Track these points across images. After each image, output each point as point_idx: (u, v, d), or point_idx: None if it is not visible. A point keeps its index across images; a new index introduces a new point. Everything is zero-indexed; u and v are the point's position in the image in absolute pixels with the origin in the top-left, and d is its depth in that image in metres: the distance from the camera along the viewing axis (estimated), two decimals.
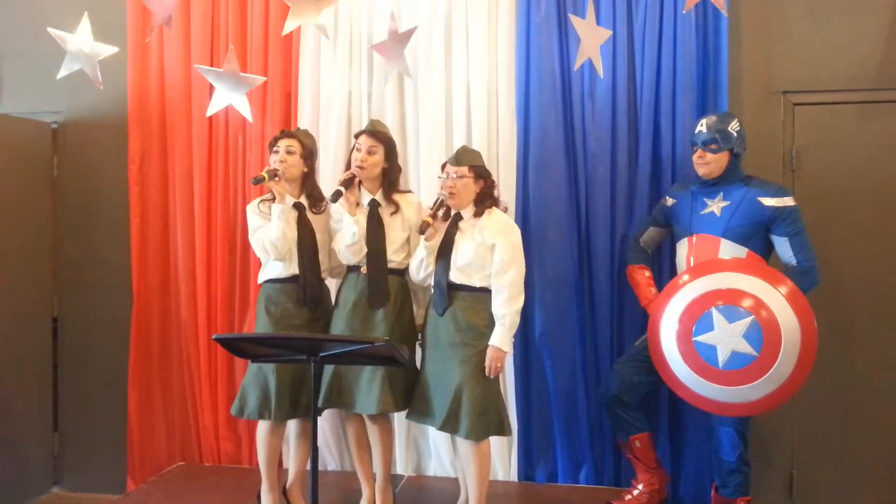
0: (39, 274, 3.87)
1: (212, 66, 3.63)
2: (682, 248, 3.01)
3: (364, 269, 2.94)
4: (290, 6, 3.10)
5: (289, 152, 2.97)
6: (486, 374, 2.77)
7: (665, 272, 3.30)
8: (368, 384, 2.88)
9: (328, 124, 3.58)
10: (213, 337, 2.32)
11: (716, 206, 2.94)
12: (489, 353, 2.77)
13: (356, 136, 3.01)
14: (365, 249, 2.93)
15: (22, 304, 3.75)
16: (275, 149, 2.99)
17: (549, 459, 3.47)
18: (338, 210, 2.96)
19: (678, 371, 2.78)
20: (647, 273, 3.14)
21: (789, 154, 3.39)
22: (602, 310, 3.38)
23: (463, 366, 2.77)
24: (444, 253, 2.86)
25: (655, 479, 3.10)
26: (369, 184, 2.99)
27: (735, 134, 2.93)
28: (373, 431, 2.99)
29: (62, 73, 3.22)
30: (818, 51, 3.35)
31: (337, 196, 2.88)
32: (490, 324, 2.82)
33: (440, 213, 2.85)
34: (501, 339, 2.77)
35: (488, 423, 2.79)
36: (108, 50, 3.25)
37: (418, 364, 3.01)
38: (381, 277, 2.93)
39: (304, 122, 3.56)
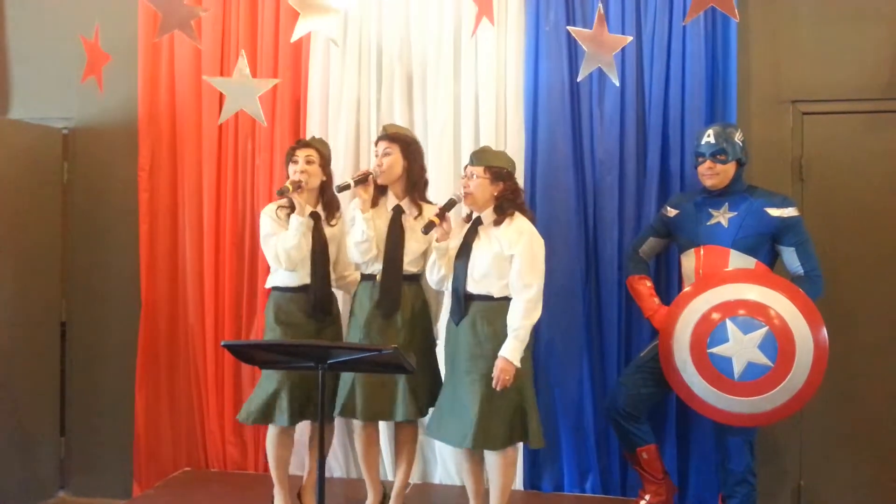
0: (48, 278, 3.89)
1: (221, 72, 3.66)
2: (689, 260, 3.00)
3: (379, 277, 2.94)
4: (300, 13, 3.11)
5: (308, 162, 2.96)
6: (494, 386, 2.68)
7: (672, 284, 3.29)
8: (395, 392, 2.88)
9: (337, 131, 3.59)
10: (222, 343, 2.33)
11: (722, 216, 2.94)
12: (498, 364, 2.68)
13: (375, 144, 3.02)
14: (374, 251, 2.92)
15: (30, 308, 3.77)
16: (293, 159, 2.97)
17: (556, 468, 3.46)
18: (353, 209, 2.96)
19: (692, 383, 2.77)
20: (649, 283, 3.13)
21: (798, 163, 3.38)
22: (609, 319, 3.37)
23: (484, 379, 2.71)
24: (461, 259, 2.80)
25: (662, 489, 3.08)
26: (394, 187, 2.98)
27: (741, 144, 2.92)
28: (404, 438, 3.01)
29: (84, 78, 3.23)
30: (827, 60, 3.34)
31: (343, 188, 2.89)
32: None
33: (447, 213, 2.81)
34: (512, 351, 2.68)
35: (511, 430, 2.75)
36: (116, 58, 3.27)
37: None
38: (394, 286, 2.91)
39: (313, 128, 3.57)
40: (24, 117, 3.95)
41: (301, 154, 2.97)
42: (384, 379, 2.88)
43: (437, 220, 2.77)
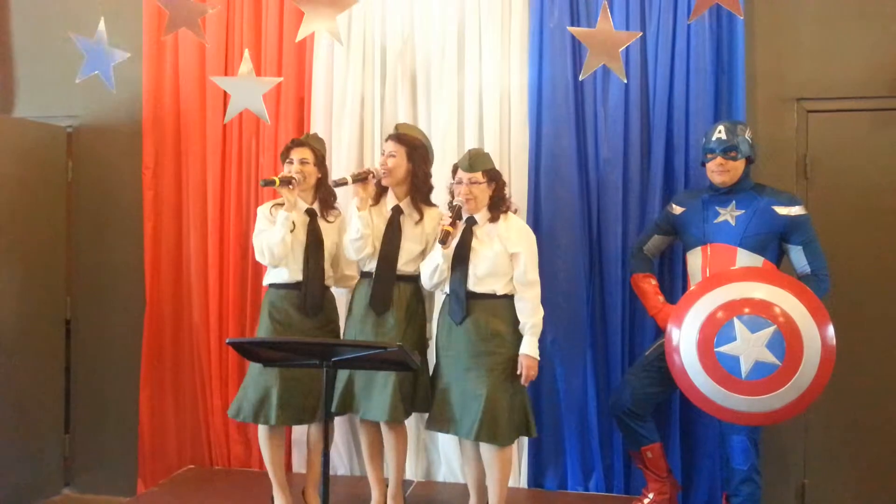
0: (53, 276, 3.90)
1: (226, 71, 3.67)
2: (696, 258, 2.99)
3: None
4: (305, 12, 3.11)
5: (303, 163, 2.97)
6: (523, 383, 2.79)
7: (678, 282, 3.28)
8: (381, 391, 2.87)
9: (341, 130, 3.59)
10: (227, 341, 2.33)
11: (729, 214, 2.93)
12: (523, 361, 2.78)
13: (385, 141, 3.03)
14: (369, 248, 2.93)
15: (35, 306, 3.78)
16: (288, 159, 2.98)
17: (559, 466, 3.46)
18: (352, 207, 2.96)
19: (698, 382, 2.76)
20: (654, 282, 3.12)
21: (803, 161, 3.38)
22: (613, 317, 3.37)
23: (491, 374, 2.76)
24: (460, 261, 2.82)
25: (666, 488, 3.08)
26: (397, 188, 2.98)
27: (750, 141, 2.92)
28: (388, 438, 2.98)
29: (81, 77, 3.24)
30: (832, 58, 3.33)
31: (339, 183, 2.89)
32: (513, 329, 2.81)
33: (458, 221, 2.82)
34: (532, 347, 2.79)
35: (516, 426, 2.80)
36: (123, 55, 3.27)
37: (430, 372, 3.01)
38: (386, 284, 2.92)
39: (317, 127, 3.58)
40: (29, 115, 3.96)
41: (296, 155, 2.97)
42: (375, 377, 2.88)
43: (451, 230, 2.77)
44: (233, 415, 2.97)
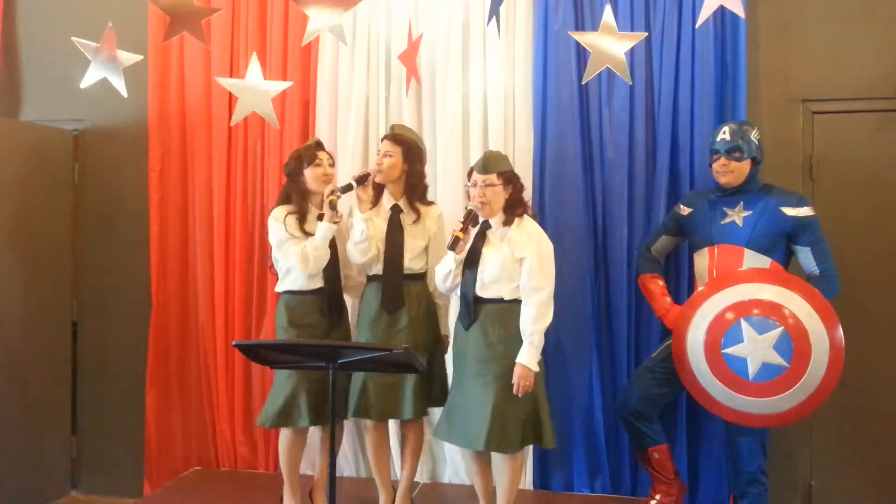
0: (59, 279, 3.91)
1: (231, 74, 3.68)
2: (703, 259, 2.98)
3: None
4: (309, 16, 3.12)
5: (331, 165, 3.01)
6: (515, 393, 2.69)
7: (683, 283, 3.28)
8: (401, 390, 2.89)
9: (346, 131, 3.60)
10: (234, 343, 2.35)
11: (736, 215, 2.93)
12: (517, 371, 2.70)
13: (381, 141, 3.05)
14: (374, 250, 2.94)
15: (42, 308, 3.79)
16: (317, 162, 2.96)
17: (566, 468, 3.46)
18: (353, 210, 2.98)
19: (706, 383, 2.76)
20: (661, 282, 3.11)
21: (808, 162, 3.37)
22: (619, 318, 3.37)
23: (498, 381, 2.72)
24: (470, 265, 2.80)
25: (673, 489, 3.08)
26: (393, 187, 3.01)
27: (756, 142, 2.92)
28: (409, 437, 3.02)
29: (85, 83, 3.25)
30: (837, 59, 3.33)
31: (347, 189, 2.91)
32: (521, 335, 2.75)
33: (471, 226, 2.78)
34: (529, 357, 2.70)
35: (524, 433, 2.76)
36: (131, 58, 3.28)
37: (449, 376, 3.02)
38: (395, 283, 2.94)
39: (322, 128, 3.59)
40: (35, 119, 3.98)
41: (324, 157, 3.00)
42: (392, 378, 2.90)
43: (462, 235, 2.74)
44: (261, 423, 2.96)
